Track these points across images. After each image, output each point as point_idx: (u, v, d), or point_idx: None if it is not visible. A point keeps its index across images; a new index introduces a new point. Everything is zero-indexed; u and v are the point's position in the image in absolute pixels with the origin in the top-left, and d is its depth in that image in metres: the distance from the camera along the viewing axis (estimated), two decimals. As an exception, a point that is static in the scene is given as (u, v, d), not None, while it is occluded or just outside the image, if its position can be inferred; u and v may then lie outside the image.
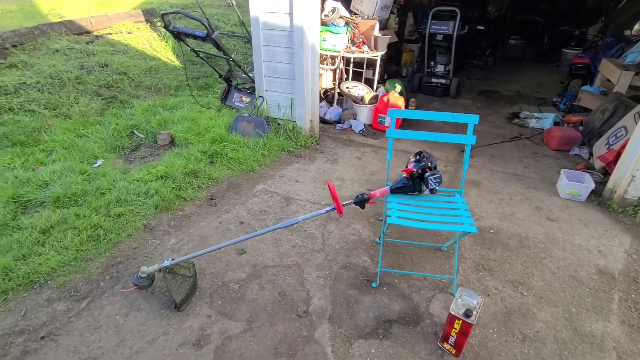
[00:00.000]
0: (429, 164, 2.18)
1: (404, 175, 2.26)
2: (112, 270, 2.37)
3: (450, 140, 2.30)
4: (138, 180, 3.18)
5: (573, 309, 2.20)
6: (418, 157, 2.23)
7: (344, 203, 2.20)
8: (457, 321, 1.80)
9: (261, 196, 3.21)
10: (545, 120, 4.74)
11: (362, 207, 2.22)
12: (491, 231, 2.84)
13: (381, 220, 2.95)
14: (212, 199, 3.12)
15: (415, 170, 2.18)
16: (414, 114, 2.32)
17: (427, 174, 2.15)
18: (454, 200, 2.25)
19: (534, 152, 4.15)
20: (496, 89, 6.39)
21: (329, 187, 2.13)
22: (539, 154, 4.10)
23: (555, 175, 3.61)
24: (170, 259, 2.14)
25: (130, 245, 2.57)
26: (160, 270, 2.13)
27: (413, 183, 2.23)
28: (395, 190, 2.27)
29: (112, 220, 2.72)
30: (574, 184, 3.19)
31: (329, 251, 2.61)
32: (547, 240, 2.76)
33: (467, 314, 1.77)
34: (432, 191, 2.21)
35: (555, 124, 4.63)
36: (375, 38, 4.46)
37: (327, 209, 2.22)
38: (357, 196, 2.21)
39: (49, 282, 2.25)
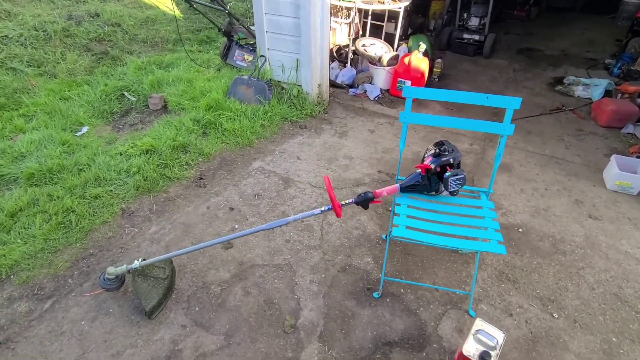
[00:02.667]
0: (451, 160, 1.73)
1: (418, 170, 1.83)
2: (82, 264, 2.12)
3: (481, 129, 1.82)
4: (121, 154, 2.86)
5: (614, 339, 1.83)
6: (438, 149, 1.77)
7: (343, 202, 1.82)
8: (470, 364, 1.47)
9: (257, 176, 2.85)
10: (594, 88, 4.04)
11: (366, 207, 1.84)
12: (520, 230, 2.42)
13: (391, 211, 2.56)
14: (201, 178, 2.79)
15: (433, 167, 1.75)
16: (435, 94, 1.83)
17: (447, 173, 1.71)
18: (478, 205, 1.83)
19: (578, 129, 3.54)
20: (538, 46, 5.54)
21: (325, 182, 1.75)
22: (584, 131, 3.50)
23: (603, 160, 3.06)
24: (140, 259, 1.87)
25: (104, 234, 2.30)
26: (129, 271, 1.86)
27: (429, 182, 1.80)
28: (406, 189, 1.86)
29: (87, 203, 2.44)
30: (626, 175, 2.66)
31: (327, 249, 2.27)
32: (587, 245, 2.33)
33: (484, 357, 1.43)
34: (452, 194, 1.79)
35: (607, 93, 3.94)
36: (399, -15, 3.75)
37: (323, 208, 1.85)
38: (360, 195, 1.82)
39: (12, 277, 2.03)
